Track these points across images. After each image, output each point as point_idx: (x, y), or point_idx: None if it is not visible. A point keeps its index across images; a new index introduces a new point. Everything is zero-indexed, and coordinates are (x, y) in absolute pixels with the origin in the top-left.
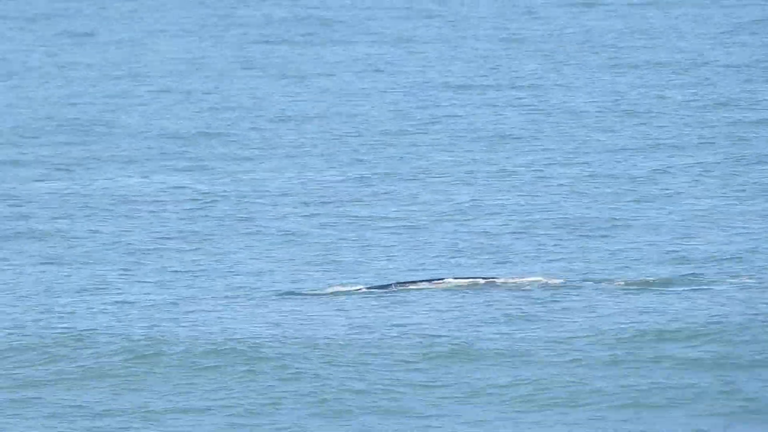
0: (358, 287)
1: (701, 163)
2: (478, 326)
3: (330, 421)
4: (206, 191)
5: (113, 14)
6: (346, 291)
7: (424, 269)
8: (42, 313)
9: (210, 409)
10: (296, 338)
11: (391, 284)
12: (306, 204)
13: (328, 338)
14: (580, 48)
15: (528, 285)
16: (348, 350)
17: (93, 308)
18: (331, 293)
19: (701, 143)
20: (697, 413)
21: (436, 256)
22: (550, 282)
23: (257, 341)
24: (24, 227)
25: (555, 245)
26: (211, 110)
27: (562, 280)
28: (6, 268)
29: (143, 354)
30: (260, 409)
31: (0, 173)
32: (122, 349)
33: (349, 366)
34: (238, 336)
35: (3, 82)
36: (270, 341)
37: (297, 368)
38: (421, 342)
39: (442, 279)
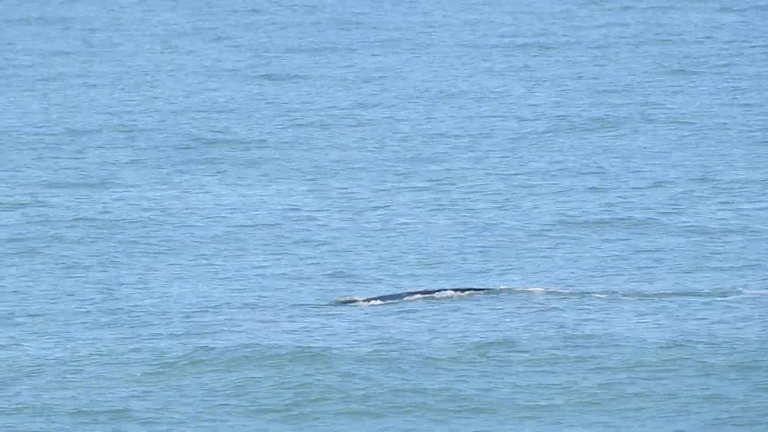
0: (365, 298)
1: (723, 165)
2: (501, 331)
3: (359, 420)
4: (229, 198)
5: (129, 18)
6: (354, 300)
7: (441, 277)
8: (68, 323)
9: (238, 411)
10: (322, 343)
11: (402, 294)
12: (327, 211)
13: (354, 342)
14: (600, 50)
15: (542, 293)
16: (375, 353)
17: (116, 315)
18: (345, 302)
19: (722, 145)
20: (718, 414)
21: (451, 263)
22: (563, 290)
23: (284, 346)
24: (44, 234)
25: (571, 253)
26: (234, 117)
27: (573, 288)
28: (24, 274)
29: (171, 359)
30: (291, 408)
31: (22, 180)
32: (152, 354)
33: (377, 366)
34: (265, 341)
35: (24, 90)
36: (297, 346)
37: (326, 369)
38: (446, 346)
39: (471, 289)
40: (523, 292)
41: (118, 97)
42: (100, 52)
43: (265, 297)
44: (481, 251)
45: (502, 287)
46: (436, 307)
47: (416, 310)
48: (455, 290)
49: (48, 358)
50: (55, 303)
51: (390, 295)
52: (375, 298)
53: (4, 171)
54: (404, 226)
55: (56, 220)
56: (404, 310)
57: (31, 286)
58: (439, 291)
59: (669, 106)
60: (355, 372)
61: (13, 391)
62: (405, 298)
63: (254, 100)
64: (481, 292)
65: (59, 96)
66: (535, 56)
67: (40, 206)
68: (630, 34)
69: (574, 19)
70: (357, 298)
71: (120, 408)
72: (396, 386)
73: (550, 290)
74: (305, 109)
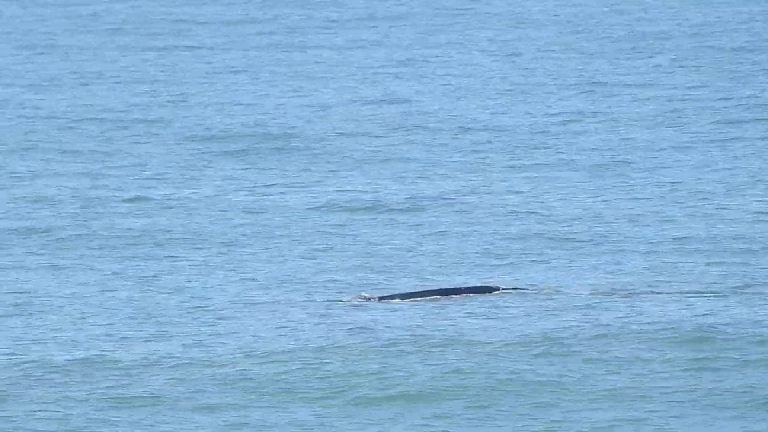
0: (368, 295)
1: (754, 157)
2: (531, 326)
3: (399, 406)
4: (257, 190)
5: (155, 11)
6: (373, 297)
7: (470, 273)
8: (98, 316)
9: (274, 399)
10: (355, 336)
11: (423, 291)
12: (354, 203)
13: (385, 335)
14: (631, 46)
15: (570, 290)
16: (409, 345)
17: (146, 307)
18: (368, 299)
19: (752, 137)
20: (755, 402)
21: (479, 257)
22: (593, 286)
23: (316, 339)
24: (73, 225)
25: (600, 248)
26: (261, 111)
27: (603, 284)
28: (53, 264)
29: (202, 351)
30: (333, 396)
31: (52, 173)
32: (183, 347)
33: (414, 357)
34: (297, 335)
35: (57, 86)
36: (329, 338)
37: (362, 360)
38: (478, 340)
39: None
40: (550, 289)
41: (146, 92)
42: (126, 48)
43: (293, 290)
44: (507, 247)
45: (530, 286)
46: (464, 303)
47: (443, 306)
48: (478, 288)
49: (78, 351)
50: (85, 296)
51: (410, 293)
52: (394, 296)
53: (35, 163)
54: (432, 220)
55: (84, 213)
56: (429, 306)
57: (61, 279)
58: (463, 288)
59: (695, 99)
60: (392, 362)
61: (45, 383)
62: (424, 297)
63: (282, 95)
64: (505, 290)
65: (86, 90)
66: (563, 51)
67: (70, 198)
68: (657, 29)
69: (601, 14)
70: (374, 295)
71: (156, 395)
72: (434, 374)
73: (579, 287)
74: (335, 103)
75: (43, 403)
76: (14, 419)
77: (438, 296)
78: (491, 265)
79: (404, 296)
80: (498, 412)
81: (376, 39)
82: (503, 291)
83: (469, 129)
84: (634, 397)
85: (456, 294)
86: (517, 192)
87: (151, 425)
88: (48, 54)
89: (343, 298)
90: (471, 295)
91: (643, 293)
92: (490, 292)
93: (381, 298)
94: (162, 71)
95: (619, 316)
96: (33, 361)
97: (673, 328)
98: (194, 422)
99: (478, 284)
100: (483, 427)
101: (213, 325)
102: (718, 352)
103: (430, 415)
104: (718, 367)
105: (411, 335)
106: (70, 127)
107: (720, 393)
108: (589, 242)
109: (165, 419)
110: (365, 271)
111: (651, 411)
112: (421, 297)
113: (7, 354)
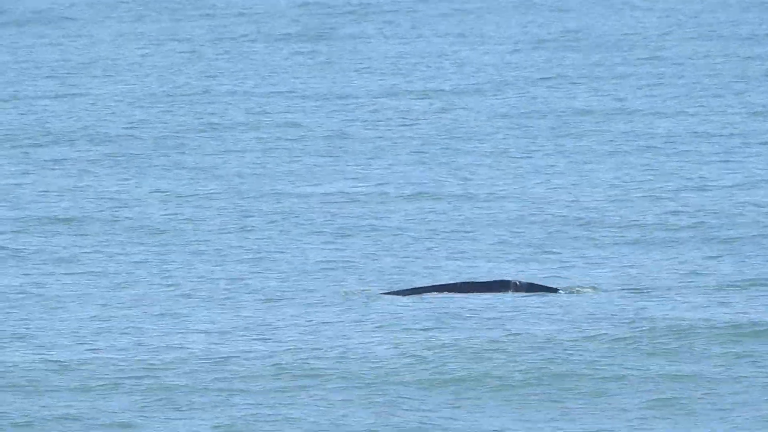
0: (381, 290)
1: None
2: (559, 324)
3: (432, 390)
4: (277, 180)
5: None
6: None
7: (489, 266)
8: (120, 312)
9: (302, 384)
10: (383, 329)
11: (429, 287)
12: (370, 195)
13: (413, 328)
14: (655, 34)
15: (594, 286)
16: (437, 337)
17: (162, 301)
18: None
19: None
20: None
21: (501, 248)
22: (620, 282)
23: (340, 334)
24: (94, 218)
25: (623, 241)
26: (287, 105)
27: (632, 279)
28: (70, 258)
29: (224, 351)
30: (356, 378)
31: (72, 165)
32: (203, 345)
33: (446, 352)
34: (321, 331)
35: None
36: (356, 333)
37: (392, 355)
38: (501, 338)
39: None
40: (574, 282)
41: (170, 81)
42: (148, 36)
43: (315, 280)
44: (527, 239)
45: (551, 280)
46: (484, 298)
47: (463, 301)
48: (495, 283)
49: (104, 341)
50: (108, 286)
51: (421, 287)
52: (406, 290)
53: (59, 153)
54: (452, 209)
55: (108, 203)
56: (447, 301)
57: (83, 269)
58: (478, 283)
59: (717, 89)
60: (419, 351)
61: (74, 374)
62: (436, 292)
63: (304, 84)
64: (523, 285)
65: (110, 79)
66: (585, 40)
67: (93, 188)
68: (680, 18)
69: (622, 3)
70: (388, 289)
71: (187, 383)
72: (462, 363)
73: (602, 280)
74: (356, 93)
75: (73, 391)
76: (48, 408)
77: (451, 291)
78: (510, 258)
79: (415, 291)
80: (531, 393)
81: (397, 28)
82: (526, 287)
83: (490, 118)
84: (665, 380)
85: (470, 290)
86: (538, 183)
87: (187, 406)
88: (71, 43)
89: (355, 291)
90: (489, 292)
91: (670, 287)
92: (507, 289)
93: (389, 293)
94: (185, 60)
95: (646, 309)
96: (59, 353)
97: (704, 321)
98: (230, 404)
99: (496, 279)
100: (518, 410)
101: (236, 315)
102: (753, 345)
103: (461, 396)
104: (752, 357)
105: (436, 326)
106: (95, 116)
107: (754, 377)
108: (611, 235)
109: (201, 401)
110: (383, 262)
111: (681, 391)
112: (432, 292)
113: (35, 346)
